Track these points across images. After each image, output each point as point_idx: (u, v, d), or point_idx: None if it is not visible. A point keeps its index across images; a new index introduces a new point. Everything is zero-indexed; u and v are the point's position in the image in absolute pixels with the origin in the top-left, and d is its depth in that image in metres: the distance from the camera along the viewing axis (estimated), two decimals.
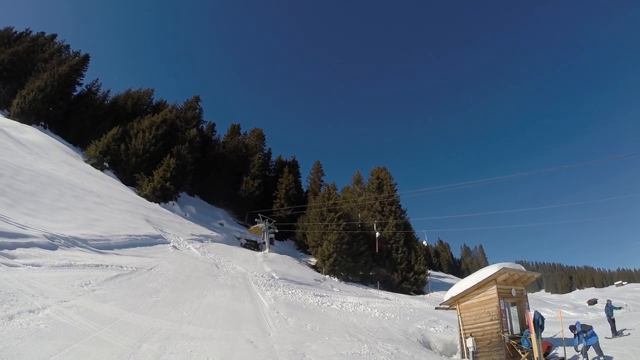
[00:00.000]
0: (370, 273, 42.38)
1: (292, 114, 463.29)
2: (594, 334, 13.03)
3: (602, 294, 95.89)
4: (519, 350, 13.90)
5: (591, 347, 13.00)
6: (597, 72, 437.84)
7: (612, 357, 13.61)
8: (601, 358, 12.86)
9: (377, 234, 39.31)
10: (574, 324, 14.22)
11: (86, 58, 54.83)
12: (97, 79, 57.49)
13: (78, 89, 54.14)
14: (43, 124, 45.71)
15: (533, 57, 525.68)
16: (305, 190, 66.21)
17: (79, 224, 19.12)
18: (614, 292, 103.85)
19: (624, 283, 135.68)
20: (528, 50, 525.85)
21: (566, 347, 13.86)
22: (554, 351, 15.09)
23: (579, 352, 13.53)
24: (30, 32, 59.23)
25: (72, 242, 15.80)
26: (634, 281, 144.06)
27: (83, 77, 54.15)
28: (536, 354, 12.72)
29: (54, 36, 60.71)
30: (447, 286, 39.31)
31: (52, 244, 14.28)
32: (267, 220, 43.93)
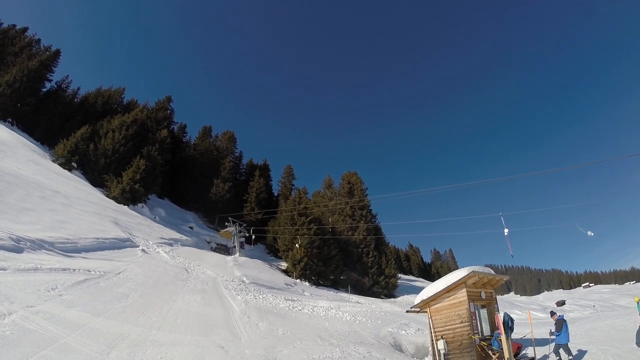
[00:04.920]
0: (341, 277, 42.58)
1: (264, 118, 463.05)
2: (565, 333, 13.41)
3: (570, 296, 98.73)
4: (490, 352, 14.16)
5: (561, 346, 13.37)
6: (574, 72, 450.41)
7: (581, 357, 14.03)
8: (570, 357, 13.22)
9: (297, 245, 39.13)
10: (556, 311, 14.80)
11: (57, 53, 53.40)
12: (68, 76, 56.16)
13: (47, 85, 52.78)
14: (10, 120, 44.39)
15: (504, 66, 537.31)
16: (276, 194, 65.99)
17: (45, 225, 18.68)
18: (581, 294, 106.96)
19: (590, 285, 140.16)
20: (500, 57, 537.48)
21: (536, 347, 14.24)
22: (524, 351, 15.47)
23: (551, 352, 13.91)
24: (1, 24, 57.31)
25: (39, 245, 15.43)
26: (600, 283, 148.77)
27: (53, 73, 52.84)
28: (506, 355, 12.99)
29: (25, 29, 58.84)
30: (417, 290, 39.71)
31: (17, 246, 13.94)
32: (237, 224, 43.64)
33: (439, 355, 15.31)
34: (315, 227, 40.85)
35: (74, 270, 14.20)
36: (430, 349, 16.61)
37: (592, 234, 20.34)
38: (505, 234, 18.79)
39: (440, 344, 15.33)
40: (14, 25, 58.40)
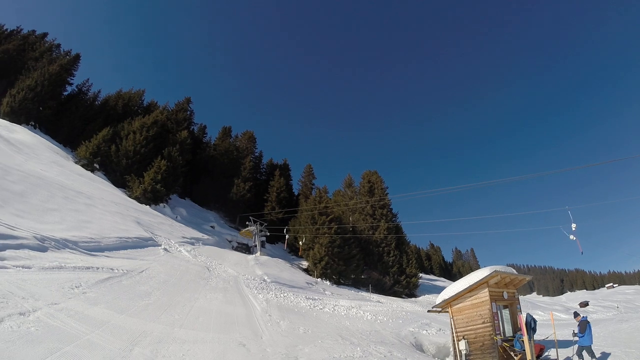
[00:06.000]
0: (362, 276, 42.36)
1: (284, 117, 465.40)
2: (589, 335, 13.05)
3: (594, 296, 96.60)
4: (512, 353, 13.90)
5: (584, 349, 13.02)
6: (590, 74, 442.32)
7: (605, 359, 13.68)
8: None
9: (300, 242, 40.25)
10: (580, 312, 14.47)
11: (77, 57, 54.50)
12: (88, 79, 57.31)
13: (69, 88, 54.04)
14: (33, 123, 45.25)
15: (524, 62, 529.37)
16: (296, 193, 66.06)
17: (69, 225, 18.94)
18: (604, 295, 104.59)
19: (614, 285, 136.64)
20: (519, 54, 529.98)
21: (559, 349, 13.91)
22: (546, 353, 15.11)
23: (574, 354, 13.57)
24: (21, 30, 58.65)
25: (63, 244, 15.63)
26: (625, 283, 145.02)
27: (74, 76, 54.07)
28: (529, 356, 12.72)
29: (44, 35, 60.19)
30: (439, 289, 39.39)
31: (42, 245, 14.11)
32: (258, 223, 43.80)
33: (460, 356, 15.08)
34: (336, 226, 40.74)
35: (98, 268, 14.34)
36: (451, 349, 16.36)
37: (575, 238, 20.16)
38: (573, 229, 18.49)
39: (462, 345, 15.10)
40: (34, 31, 59.83)
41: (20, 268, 11.18)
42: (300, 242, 39.88)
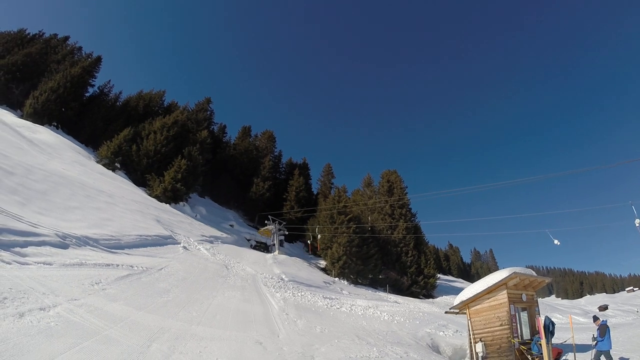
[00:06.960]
0: (380, 276, 42.21)
1: (303, 116, 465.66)
2: (608, 339, 12.77)
3: (613, 300, 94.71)
4: (529, 356, 13.73)
5: (602, 353, 12.75)
6: (610, 76, 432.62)
7: None
8: None
9: (315, 235, 40.84)
10: (599, 316, 14.20)
11: (98, 59, 55.46)
12: (109, 81, 58.40)
13: (90, 90, 55.11)
14: (55, 124, 46.19)
15: (544, 61, 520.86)
16: (315, 192, 66.13)
17: (90, 223, 19.20)
18: (624, 299, 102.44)
19: (635, 289, 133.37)
20: (539, 53, 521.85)
21: (577, 354, 13.66)
22: (564, 357, 14.90)
23: (592, 359, 13.31)
24: (43, 33, 59.96)
25: (84, 241, 15.85)
26: None
27: (95, 78, 55.08)
28: None
29: (66, 38, 61.55)
30: (456, 290, 38.99)
31: (63, 242, 14.33)
32: (277, 222, 43.97)
33: (477, 358, 14.95)
34: (355, 225, 40.64)
35: (118, 265, 14.50)
36: (468, 351, 16.26)
37: (559, 243, 20.00)
38: (637, 224, 17.41)
39: (479, 347, 14.97)
40: (56, 35, 61.28)
41: (42, 264, 11.35)
42: (310, 240, 40.22)
